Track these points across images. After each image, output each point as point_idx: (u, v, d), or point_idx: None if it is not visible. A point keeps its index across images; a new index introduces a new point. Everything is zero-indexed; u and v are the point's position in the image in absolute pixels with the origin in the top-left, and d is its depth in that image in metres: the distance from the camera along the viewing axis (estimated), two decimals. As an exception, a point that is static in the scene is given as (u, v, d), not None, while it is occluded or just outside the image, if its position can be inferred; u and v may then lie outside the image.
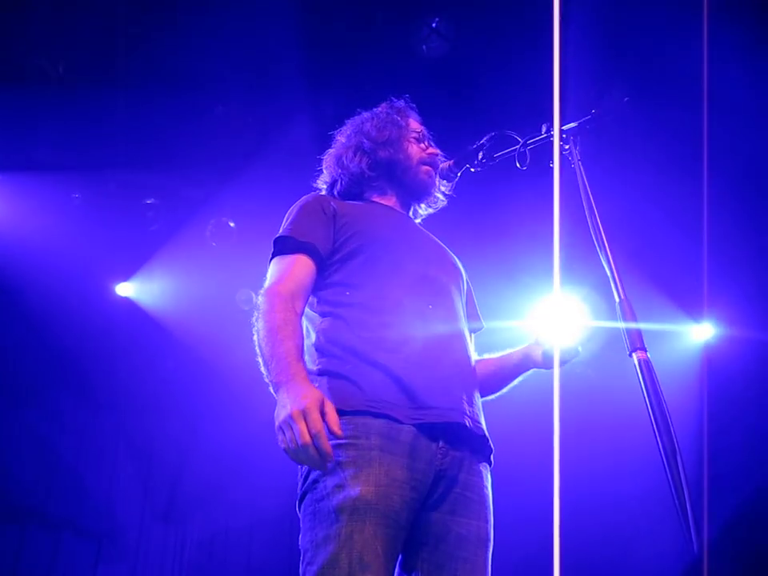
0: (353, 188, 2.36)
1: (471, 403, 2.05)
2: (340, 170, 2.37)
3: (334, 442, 1.78)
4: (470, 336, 2.29)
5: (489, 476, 2.05)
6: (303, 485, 1.92)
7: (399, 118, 2.40)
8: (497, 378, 2.28)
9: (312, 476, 1.90)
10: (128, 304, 5.35)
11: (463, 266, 2.39)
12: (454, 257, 2.37)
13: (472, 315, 2.35)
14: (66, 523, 5.12)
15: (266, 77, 4.31)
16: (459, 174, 2.34)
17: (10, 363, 5.12)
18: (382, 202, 2.35)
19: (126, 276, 5.32)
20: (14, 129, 4.39)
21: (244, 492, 5.34)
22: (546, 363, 2.18)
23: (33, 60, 4.11)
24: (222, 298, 5.17)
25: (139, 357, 5.36)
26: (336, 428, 1.71)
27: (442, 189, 2.43)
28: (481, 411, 2.09)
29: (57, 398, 5.26)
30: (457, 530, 1.92)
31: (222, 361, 5.14)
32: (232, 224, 5.19)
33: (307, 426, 1.68)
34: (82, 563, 5.08)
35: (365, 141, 2.35)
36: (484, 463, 2.05)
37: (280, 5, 3.99)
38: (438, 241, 2.38)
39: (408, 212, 2.40)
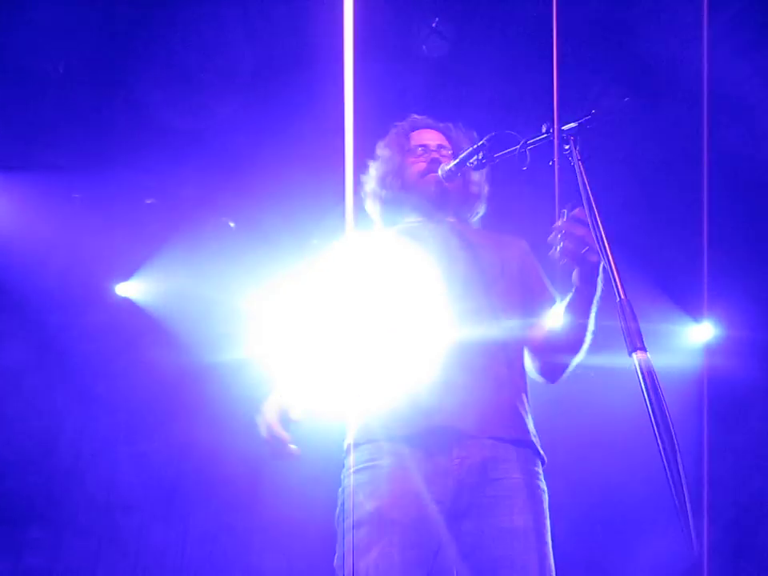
0: (392, 212, 2.51)
1: (484, 403, 2.06)
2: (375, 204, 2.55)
3: (355, 468, 2.02)
4: (540, 312, 2.27)
5: (528, 464, 2.05)
6: (337, 507, 2.09)
7: (397, 152, 2.50)
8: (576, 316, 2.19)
9: (341, 498, 2.07)
10: (128, 304, 5.35)
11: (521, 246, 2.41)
12: (500, 242, 2.39)
13: (535, 292, 2.34)
14: (66, 523, 5.12)
15: (267, 76, 4.31)
16: (459, 175, 2.35)
17: (9, 362, 5.12)
18: (415, 220, 2.45)
19: (126, 276, 5.32)
20: (13, 129, 4.39)
21: (244, 492, 5.34)
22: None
23: (33, 60, 4.11)
24: (222, 298, 5.17)
25: (139, 357, 5.36)
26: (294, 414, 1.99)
27: (473, 189, 2.47)
28: (501, 405, 2.10)
29: (56, 398, 5.26)
30: (489, 531, 1.95)
31: (222, 360, 5.14)
32: (232, 224, 5.19)
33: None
34: (81, 563, 5.08)
35: (377, 188, 2.52)
36: (513, 452, 2.05)
37: (279, 8, 3.99)
38: (476, 233, 2.41)
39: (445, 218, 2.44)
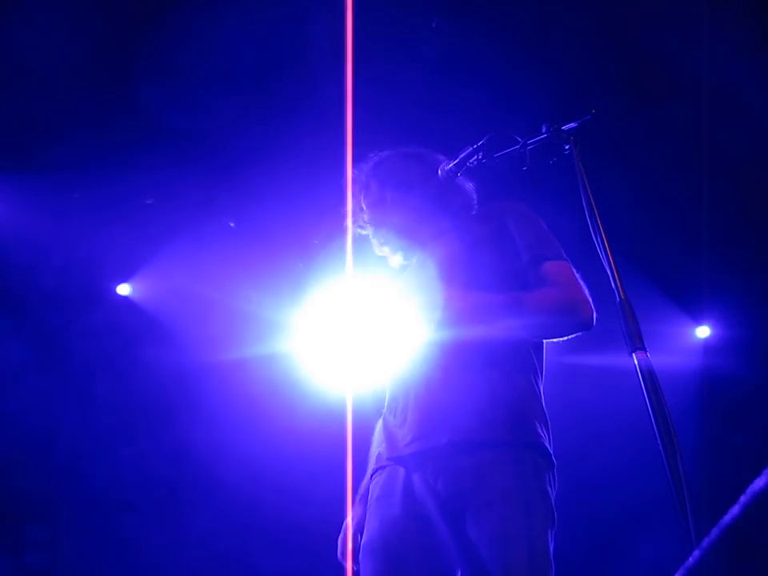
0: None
1: (457, 411, 2.06)
2: None
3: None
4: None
5: (514, 466, 2.00)
6: None
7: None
8: None
9: None
10: (128, 304, 5.35)
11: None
12: (477, 236, 2.29)
13: (515, 271, 2.18)
14: (66, 523, 5.12)
15: (268, 76, 4.31)
16: (459, 175, 2.34)
17: (8, 361, 5.12)
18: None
19: (126, 276, 5.33)
20: (13, 128, 4.39)
21: (244, 491, 5.34)
22: None
23: (33, 60, 4.11)
24: (222, 298, 5.17)
25: (139, 357, 5.37)
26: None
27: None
28: (478, 411, 2.05)
29: (56, 397, 5.26)
30: (470, 540, 1.96)
31: (222, 361, 5.15)
32: (232, 224, 5.19)
33: None
34: (81, 563, 5.08)
35: None
36: (493, 457, 2.00)
37: (280, 8, 3.99)
38: (459, 241, 2.32)
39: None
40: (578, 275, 2.12)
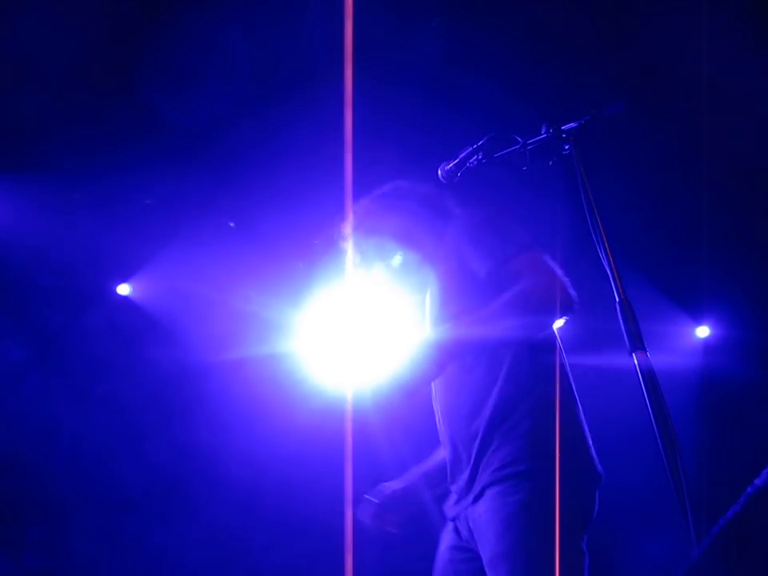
0: None
1: (451, 459, 2.19)
2: None
3: None
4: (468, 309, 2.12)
5: (504, 494, 2.02)
6: None
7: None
8: None
9: None
10: (128, 304, 5.35)
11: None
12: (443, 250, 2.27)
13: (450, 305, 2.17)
14: (66, 523, 5.12)
15: (268, 76, 4.31)
16: (459, 175, 2.33)
17: (9, 361, 5.12)
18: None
19: (126, 276, 5.32)
20: (13, 129, 4.39)
21: (245, 491, 5.34)
22: None
23: (33, 60, 4.11)
24: (222, 298, 5.17)
25: (139, 357, 5.36)
26: None
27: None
28: (475, 456, 2.09)
29: (56, 398, 5.26)
30: (484, 567, 2.03)
31: (221, 361, 5.14)
32: (232, 224, 5.19)
33: None
34: (82, 563, 5.08)
35: None
36: (477, 492, 2.07)
37: (281, 11, 3.99)
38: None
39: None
40: (546, 260, 2.04)
